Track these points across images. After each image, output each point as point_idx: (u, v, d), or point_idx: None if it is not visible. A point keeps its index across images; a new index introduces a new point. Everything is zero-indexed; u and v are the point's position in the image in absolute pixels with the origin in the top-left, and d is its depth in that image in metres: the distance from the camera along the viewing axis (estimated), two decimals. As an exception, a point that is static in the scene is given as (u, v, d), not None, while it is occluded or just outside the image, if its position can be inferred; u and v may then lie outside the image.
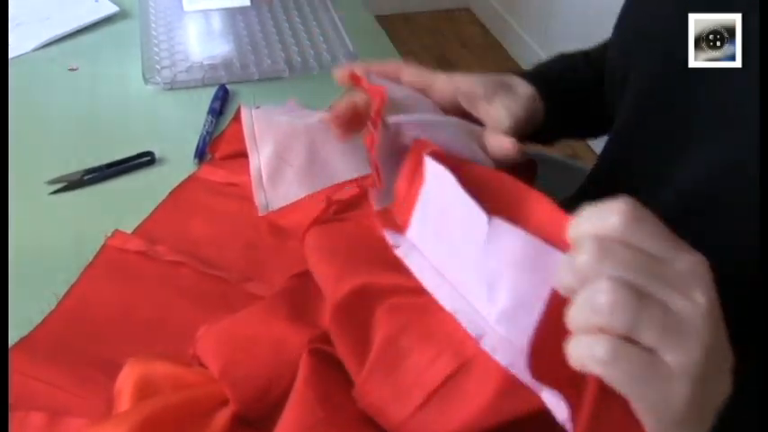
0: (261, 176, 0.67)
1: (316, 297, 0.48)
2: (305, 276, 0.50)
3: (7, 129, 0.59)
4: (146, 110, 0.80)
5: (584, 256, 0.31)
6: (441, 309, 0.41)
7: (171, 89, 0.82)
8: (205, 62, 0.85)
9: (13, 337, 0.53)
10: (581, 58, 0.66)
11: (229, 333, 0.47)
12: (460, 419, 0.38)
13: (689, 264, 0.31)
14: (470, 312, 0.39)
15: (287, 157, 0.67)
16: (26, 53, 0.87)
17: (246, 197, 0.66)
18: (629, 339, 0.30)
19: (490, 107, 0.51)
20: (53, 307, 0.56)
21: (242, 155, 0.70)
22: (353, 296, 0.43)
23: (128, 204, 0.66)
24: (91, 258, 0.60)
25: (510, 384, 0.36)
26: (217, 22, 0.92)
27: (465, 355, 0.39)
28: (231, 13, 0.93)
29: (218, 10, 0.93)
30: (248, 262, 0.60)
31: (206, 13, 0.94)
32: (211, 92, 0.81)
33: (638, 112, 0.53)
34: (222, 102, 0.80)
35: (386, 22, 0.85)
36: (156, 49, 0.87)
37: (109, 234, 0.62)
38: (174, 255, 0.60)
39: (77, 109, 0.79)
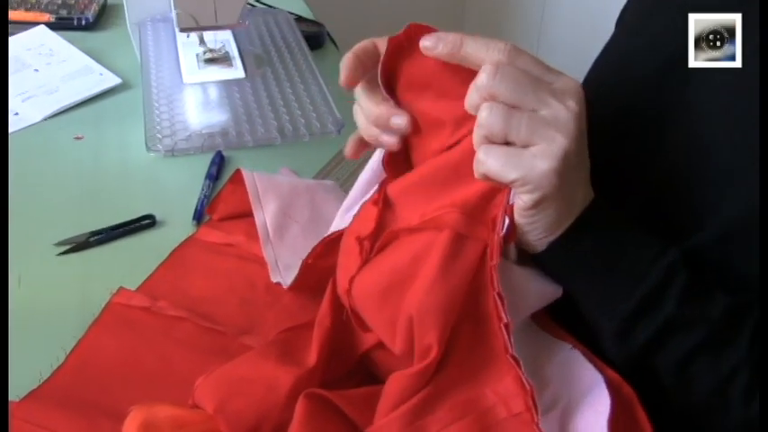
0: (267, 232, 0.71)
1: (304, 344, 0.53)
2: (294, 330, 0.55)
3: (7, 181, 0.64)
4: (147, 175, 0.85)
5: (482, 75, 0.41)
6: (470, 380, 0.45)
7: (172, 155, 0.88)
8: (203, 131, 0.91)
9: (24, 389, 0.57)
10: None
11: (223, 376, 0.52)
12: None
13: (565, 83, 0.41)
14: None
15: (291, 213, 0.72)
16: (36, 123, 0.93)
17: (242, 256, 0.71)
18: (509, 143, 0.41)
19: None
20: (62, 361, 0.60)
21: (238, 216, 0.75)
22: None
23: (131, 264, 0.71)
24: (97, 314, 0.64)
25: None
26: (214, 94, 0.99)
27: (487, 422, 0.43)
28: (227, 85, 1.00)
29: (215, 82, 1.00)
30: (244, 317, 0.65)
31: (204, 85, 1.00)
32: (209, 158, 0.86)
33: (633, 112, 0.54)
34: (219, 167, 0.85)
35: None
36: (157, 119, 0.92)
37: (114, 291, 0.67)
38: (176, 310, 0.65)
39: (83, 175, 0.85)
